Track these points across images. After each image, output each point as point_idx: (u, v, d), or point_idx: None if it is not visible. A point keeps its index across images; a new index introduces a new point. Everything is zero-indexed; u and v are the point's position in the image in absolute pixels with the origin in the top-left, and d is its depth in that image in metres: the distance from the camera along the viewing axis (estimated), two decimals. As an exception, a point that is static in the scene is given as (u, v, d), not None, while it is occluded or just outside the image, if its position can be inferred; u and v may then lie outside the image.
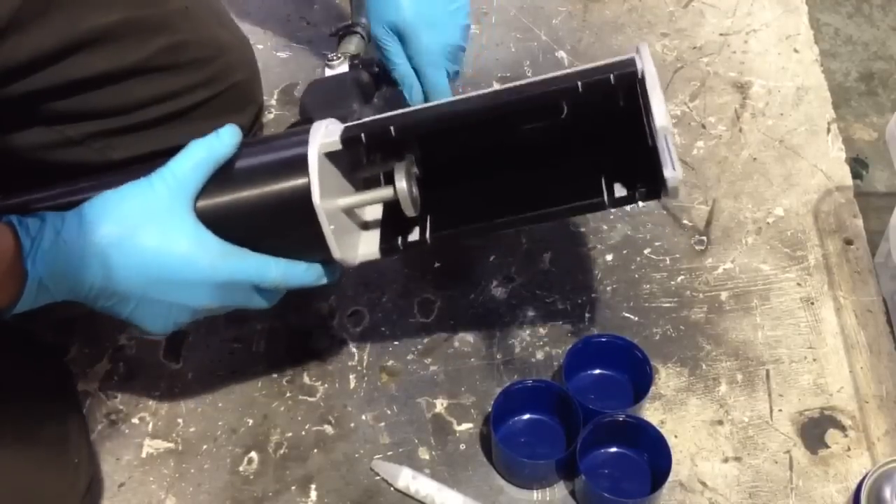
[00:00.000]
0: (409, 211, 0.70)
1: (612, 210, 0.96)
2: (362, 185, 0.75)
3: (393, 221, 0.75)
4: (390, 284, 0.94)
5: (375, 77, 0.94)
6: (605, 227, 0.97)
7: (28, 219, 0.62)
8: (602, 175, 0.71)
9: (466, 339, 0.90)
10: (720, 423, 0.83)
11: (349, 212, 0.72)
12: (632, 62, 0.66)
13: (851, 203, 0.97)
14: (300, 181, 0.66)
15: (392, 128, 0.68)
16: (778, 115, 1.05)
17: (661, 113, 0.63)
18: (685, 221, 0.97)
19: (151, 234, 0.63)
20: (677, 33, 1.14)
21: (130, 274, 0.63)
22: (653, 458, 0.78)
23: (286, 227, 0.68)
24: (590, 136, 0.74)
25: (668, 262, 0.94)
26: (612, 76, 0.65)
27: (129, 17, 0.74)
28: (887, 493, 0.72)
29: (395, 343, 0.90)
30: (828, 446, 0.81)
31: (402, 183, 0.69)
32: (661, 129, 0.63)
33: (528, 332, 0.90)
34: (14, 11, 0.66)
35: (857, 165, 1.02)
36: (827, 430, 0.82)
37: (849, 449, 0.81)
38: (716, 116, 1.05)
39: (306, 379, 0.88)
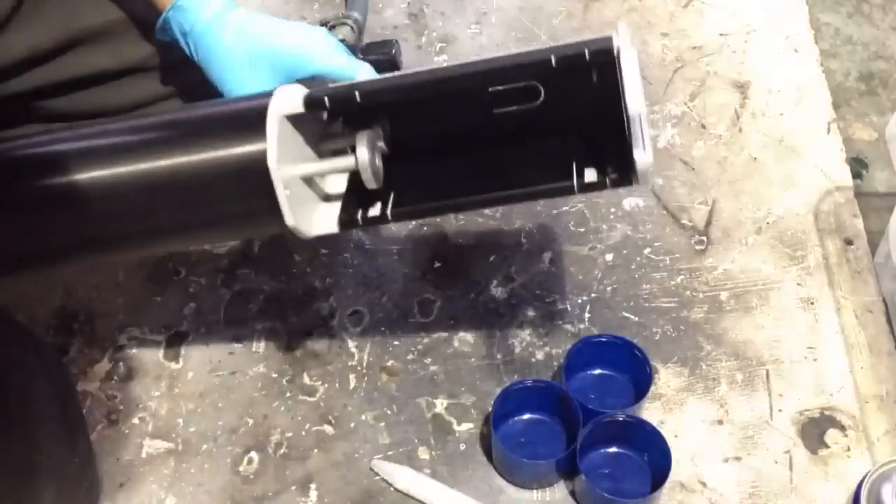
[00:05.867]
0: (371, 183, 0.68)
1: (613, 210, 0.97)
2: (329, 157, 0.72)
3: (357, 196, 0.72)
4: (390, 284, 0.94)
5: None
6: (605, 227, 0.97)
7: None
8: (574, 160, 0.70)
9: (466, 339, 0.90)
10: (720, 423, 0.83)
11: (310, 181, 0.69)
12: (608, 39, 0.64)
13: (851, 203, 0.97)
14: (257, 145, 0.63)
15: (357, 93, 0.66)
16: (778, 115, 1.05)
17: (634, 93, 0.61)
18: (685, 221, 0.97)
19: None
20: (677, 33, 1.14)
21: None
22: (653, 458, 0.78)
23: (240, 189, 0.66)
24: (565, 120, 0.72)
25: (668, 262, 0.94)
26: (586, 51, 0.63)
27: (126, 16, 0.74)
28: (887, 493, 0.72)
29: (395, 343, 0.90)
30: (828, 446, 0.81)
31: (363, 151, 0.66)
32: (633, 109, 0.61)
33: (528, 332, 0.90)
34: (10, 9, 0.66)
35: (857, 165, 1.02)
36: (827, 430, 0.82)
37: (849, 449, 0.81)
38: (716, 116, 1.05)
39: (306, 379, 0.88)
